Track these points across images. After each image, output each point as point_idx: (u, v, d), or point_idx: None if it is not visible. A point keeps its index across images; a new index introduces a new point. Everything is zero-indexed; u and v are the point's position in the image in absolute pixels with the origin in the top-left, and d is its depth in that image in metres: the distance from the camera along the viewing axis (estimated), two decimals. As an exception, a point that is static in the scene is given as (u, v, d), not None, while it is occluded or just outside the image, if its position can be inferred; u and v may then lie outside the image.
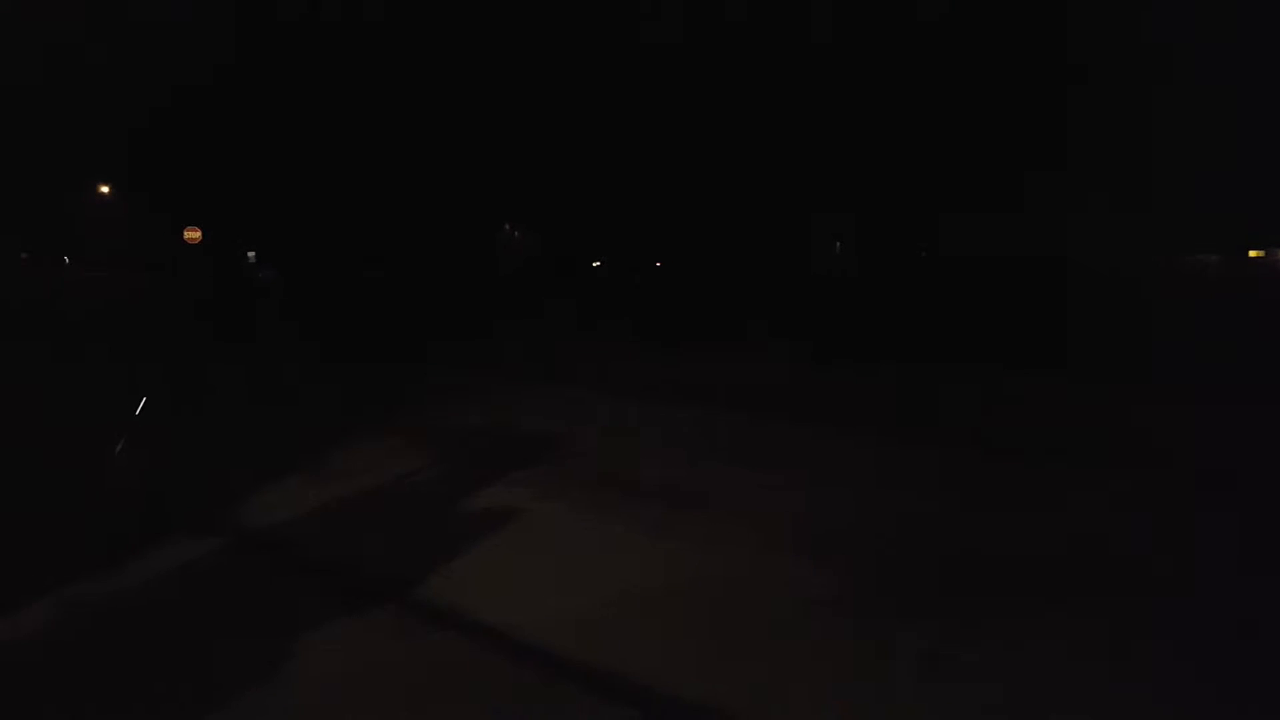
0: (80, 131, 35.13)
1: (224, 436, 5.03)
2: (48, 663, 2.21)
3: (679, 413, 5.82)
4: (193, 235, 34.99)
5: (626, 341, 11.21)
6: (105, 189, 37.67)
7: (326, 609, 2.49)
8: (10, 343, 6.95)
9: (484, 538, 3.13)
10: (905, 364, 8.31)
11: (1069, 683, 2.09)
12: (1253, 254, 34.79)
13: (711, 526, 3.32)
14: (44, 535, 3.13)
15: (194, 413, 5.62)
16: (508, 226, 31.73)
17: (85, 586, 2.61)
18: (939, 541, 3.13)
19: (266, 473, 4.00)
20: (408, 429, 5.15)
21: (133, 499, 3.59)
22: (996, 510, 3.54)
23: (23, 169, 35.52)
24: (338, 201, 25.18)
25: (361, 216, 24.30)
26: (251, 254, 34.19)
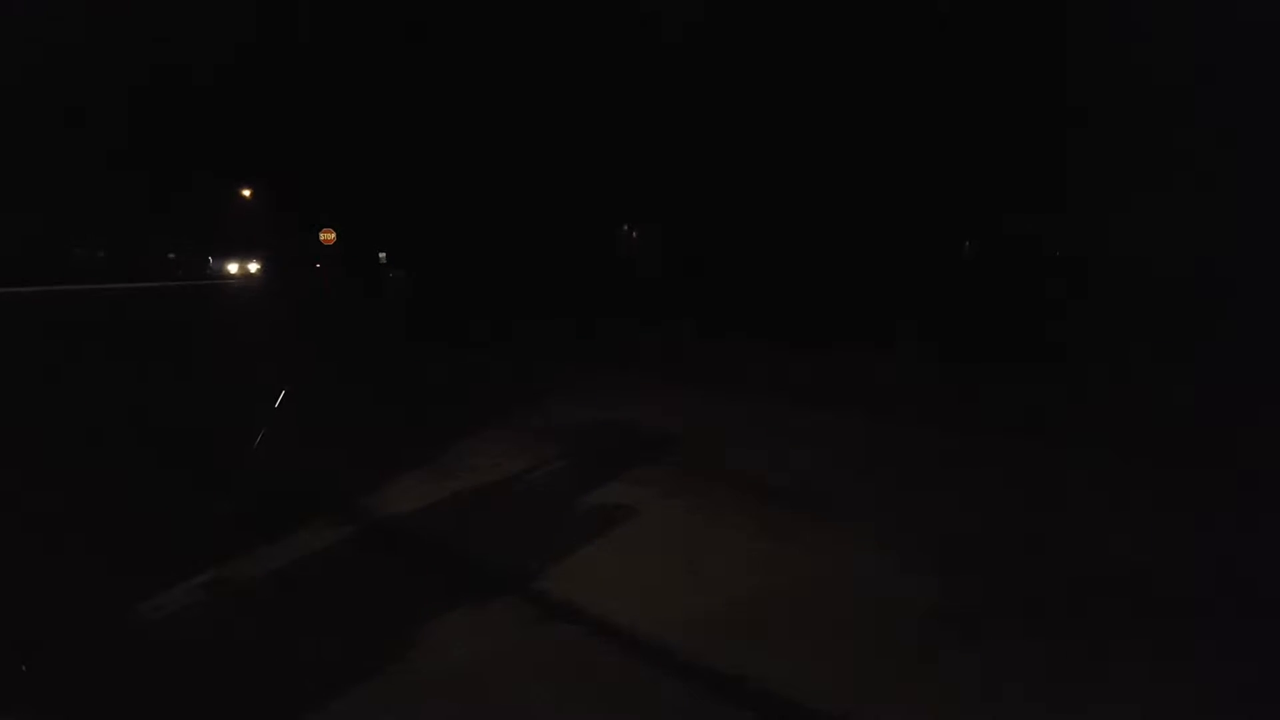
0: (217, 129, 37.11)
1: (363, 427, 5.31)
2: (195, 640, 2.35)
3: (811, 414, 5.73)
4: (328, 237, 36.93)
5: (760, 342, 10.77)
6: (246, 192, 40.22)
7: (448, 599, 2.56)
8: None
9: (606, 534, 3.15)
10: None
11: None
12: None
13: (838, 531, 3.24)
14: (193, 523, 3.35)
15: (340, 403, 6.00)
16: (625, 226, 32.06)
17: (228, 570, 2.79)
18: None
19: (398, 465, 4.15)
20: (537, 426, 5.22)
21: (273, 490, 3.81)
22: None
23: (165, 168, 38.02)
24: (464, 204, 26.00)
25: (488, 219, 25.01)
26: (382, 255, 35.89)
